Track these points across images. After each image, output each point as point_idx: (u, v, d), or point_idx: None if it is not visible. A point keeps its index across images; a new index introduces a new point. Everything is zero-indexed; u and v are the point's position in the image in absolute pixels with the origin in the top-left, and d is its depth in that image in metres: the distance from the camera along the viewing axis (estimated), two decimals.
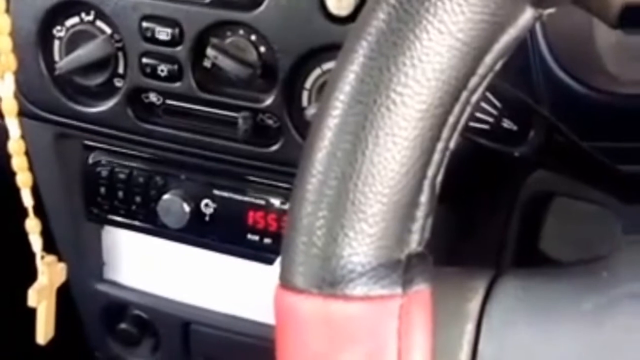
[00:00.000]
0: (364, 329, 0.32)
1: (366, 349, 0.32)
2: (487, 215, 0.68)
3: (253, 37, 0.63)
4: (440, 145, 0.33)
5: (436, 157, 0.33)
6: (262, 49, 0.63)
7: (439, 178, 0.34)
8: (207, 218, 0.72)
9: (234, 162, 0.68)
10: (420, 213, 0.33)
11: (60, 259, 0.71)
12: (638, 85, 0.55)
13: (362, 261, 0.33)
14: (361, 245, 0.33)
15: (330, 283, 0.33)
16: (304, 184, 0.33)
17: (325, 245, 0.33)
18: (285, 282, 0.34)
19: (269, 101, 0.64)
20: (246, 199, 0.71)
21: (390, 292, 0.32)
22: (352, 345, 0.32)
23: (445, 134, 0.33)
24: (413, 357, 0.32)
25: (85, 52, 0.67)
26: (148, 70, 0.66)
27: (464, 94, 0.33)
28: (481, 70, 0.33)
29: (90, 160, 0.75)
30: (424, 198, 0.33)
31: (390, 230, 0.33)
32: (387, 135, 0.32)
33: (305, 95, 0.63)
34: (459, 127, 0.34)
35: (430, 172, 0.33)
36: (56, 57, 0.69)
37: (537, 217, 0.68)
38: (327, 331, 0.33)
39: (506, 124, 0.44)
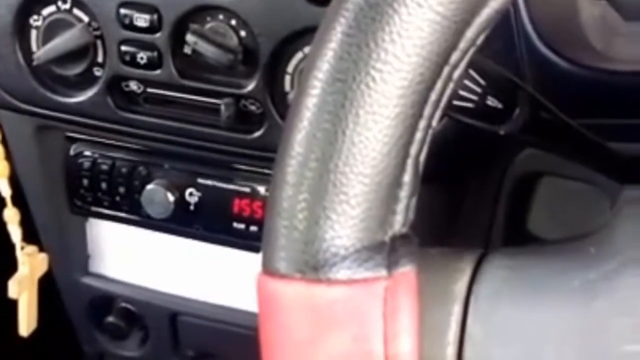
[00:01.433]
0: (349, 313, 0.32)
1: (351, 332, 0.32)
2: (475, 196, 0.67)
3: (233, 22, 0.62)
4: (422, 123, 0.32)
5: (419, 135, 0.32)
6: (243, 33, 0.62)
7: (423, 157, 0.33)
8: (191, 207, 0.71)
9: (217, 149, 0.67)
10: (404, 193, 0.33)
11: (43, 251, 0.70)
12: (622, 61, 0.55)
13: (345, 244, 0.32)
14: (344, 228, 0.32)
15: (313, 267, 0.32)
16: (283, 166, 0.33)
17: (307, 229, 0.32)
18: (268, 268, 0.33)
19: (251, 86, 0.63)
20: (231, 186, 0.70)
21: (375, 275, 0.32)
22: (337, 330, 0.32)
23: (427, 111, 0.32)
24: (399, 340, 0.32)
25: (63, 41, 0.66)
26: (127, 58, 0.65)
27: (446, 70, 0.32)
28: (463, 44, 0.32)
29: (72, 152, 0.74)
30: (407, 178, 0.33)
31: (373, 212, 0.32)
32: (367, 113, 0.31)
33: (287, 79, 0.62)
34: (442, 104, 0.33)
35: (413, 151, 0.32)
36: (33, 47, 0.68)
37: (525, 197, 0.68)
38: (311, 316, 0.32)
39: (491, 101, 0.43)
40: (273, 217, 0.33)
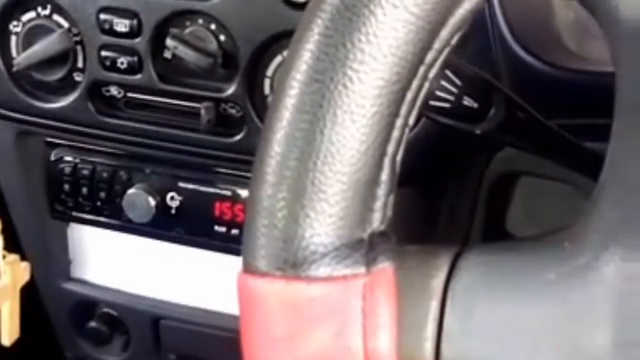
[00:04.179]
0: (329, 310, 0.32)
1: (331, 330, 0.32)
2: (454, 197, 0.68)
3: (213, 27, 0.63)
4: (399, 122, 0.33)
5: (396, 134, 0.33)
6: (222, 38, 0.63)
7: (400, 156, 0.34)
8: (173, 211, 0.71)
9: (198, 153, 0.67)
10: (382, 191, 0.33)
11: (25, 259, 0.70)
12: (597, 62, 0.55)
13: (325, 242, 0.32)
14: (323, 226, 0.32)
15: (292, 265, 0.32)
16: (263, 166, 0.33)
17: (287, 227, 0.32)
18: (248, 266, 0.34)
19: (231, 91, 0.64)
20: (212, 190, 0.70)
21: (354, 272, 0.32)
22: (317, 327, 0.32)
23: (404, 110, 0.33)
24: (379, 337, 0.32)
25: (43, 47, 0.66)
26: (108, 63, 0.65)
27: (422, 69, 0.33)
28: (438, 44, 0.32)
29: (53, 157, 0.74)
30: (385, 176, 0.33)
31: (351, 210, 0.32)
32: (345, 113, 0.32)
33: (267, 83, 0.63)
34: (418, 103, 0.33)
35: (390, 150, 0.33)
36: (14, 53, 0.68)
37: (503, 198, 0.68)
38: (291, 313, 0.32)
39: (467, 102, 0.44)
40: (253, 216, 0.33)
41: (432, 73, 0.33)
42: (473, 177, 0.67)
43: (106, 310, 0.80)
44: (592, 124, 0.57)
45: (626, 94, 0.33)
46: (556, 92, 0.56)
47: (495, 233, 0.67)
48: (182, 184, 0.71)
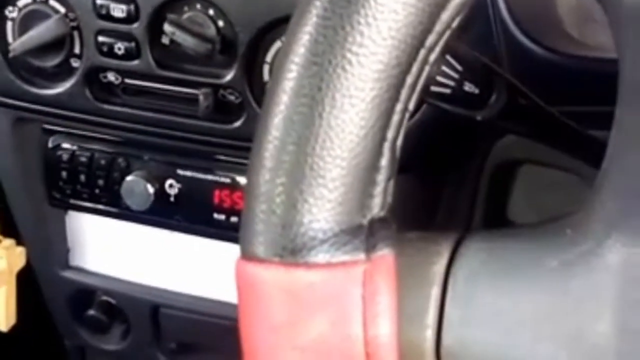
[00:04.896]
0: (328, 297, 0.32)
1: (330, 316, 0.32)
2: (455, 185, 0.67)
3: (211, 12, 0.62)
4: (399, 107, 0.32)
5: (395, 118, 0.32)
6: (221, 23, 0.62)
7: (400, 141, 0.33)
8: (172, 199, 0.71)
9: (197, 140, 0.67)
10: (382, 177, 0.33)
11: (23, 246, 0.69)
12: (599, 48, 0.55)
13: (324, 227, 0.32)
14: (322, 211, 0.32)
15: (291, 251, 0.32)
16: (261, 150, 0.33)
17: (285, 213, 0.32)
18: (246, 253, 0.33)
19: (229, 76, 0.63)
20: (211, 177, 0.70)
21: (353, 258, 0.32)
22: (316, 314, 0.32)
23: (403, 94, 0.32)
24: (378, 323, 0.32)
25: (40, 32, 0.65)
26: (105, 48, 0.65)
27: (422, 53, 0.32)
28: (438, 27, 0.32)
29: (50, 144, 0.73)
30: (384, 161, 0.33)
31: (351, 195, 0.32)
32: (344, 96, 0.31)
33: (266, 69, 0.62)
34: (418, 87, 0.33)
35: (390, 135, 0.32)
36: (9, 38, 0.67)
37: (505, 186, 0.68)
38: (289, 300, 0.32)
39: (468, 87, 0.43)
40: (251, 202, 0.33)
41: (433, 57, 0.33)
42: (474, 165, 0.66)
43: (105, 298, 0.80)
44: (595, 111, 0.57)
45: (629, 80, 0.32)
46: (558, 78, 0.55)
47: (496, 221, 0.67)
48: (180, 171, 0.70)
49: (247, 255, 0.33)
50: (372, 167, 0.32)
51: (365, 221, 0.32)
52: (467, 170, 0.67)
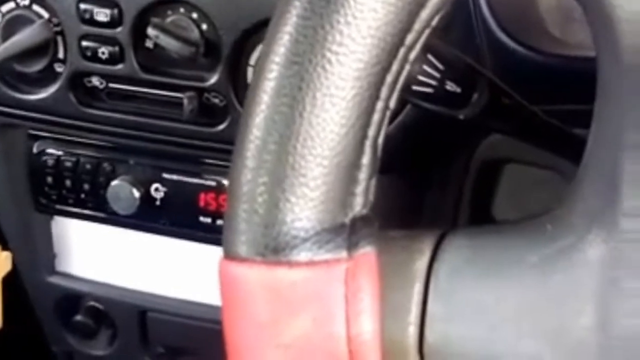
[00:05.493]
0: (310, 295, 0.32)
1: (313, 315, 0.32)
2: (440, 185, 0.67)
3: (194, 15, 0.62)
4: (379, 105, 0.33)
5: (376, 117, 0.33)
6: (204, 26, 0.62)
7: (381, 139, 0.33)
8: (157, 203, 0.71)
9: (182, 143, 0.67)
10: (363, 175, 0.33)
11: (9, 251, 0.69)
12: (581, 47, 0.55)
13: (306, 226, 0.32)
14: (303, 210, 0.32)
15: (273, 250, 0.32)
16: (242, 150, 0.33)
17: (267, 212, 0.32)
18: (229, 252, 0.33)
19: (213, 79, 0.63)
20: (196, 180, 0.70)
21: (336, 257, 0.32)
22: (299, 312, 0.32)
23: (384, 92, 0.33)
24: (361, 321, 0.32)
25: (23, 37, 0.65)
26: (88, 53, 0.65)
27: (402, 51, 0.32)
28: (417, 25, 0.32)
29: (35, 150, 0.73)
30: (366, 159, 0.33)
31: (332, 194, 0.32)
32: (324, 95, 0.31)
33: (250, 71, 0.62)
34: (399, 85, 0.33)
35: (371, 133, 0.33)
36: None
37: (489, 185, 0.68)
38: (272, 299, 0.32)
39: (449, 86, 0.44)
40: (233, 202, 0.33)
41: (413, 55, 0.33)
42: (458, 165, 0.67)
43: (92, 303, 0.79)
44: (578, 110, 0.57)
45: (606, 76, 0.33)
46: (540, 77, 0.56)
47: (481, 220, 0.67)
48: (166, 175, 0.70)
49: (229, 255, 0.33)
50: (354, 165, 0.32)
51: (347, 219, 0.32)
52: (452, 170, 0.67)
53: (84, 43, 0.64)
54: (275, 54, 0.32)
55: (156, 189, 0.71)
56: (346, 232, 0.32)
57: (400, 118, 0.59)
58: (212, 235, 0.71)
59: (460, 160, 0.66)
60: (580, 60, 0.55)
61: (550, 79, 0.55)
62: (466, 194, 0.67)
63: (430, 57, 0.43)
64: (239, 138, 0.33)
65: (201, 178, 0.70)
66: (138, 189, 0.70)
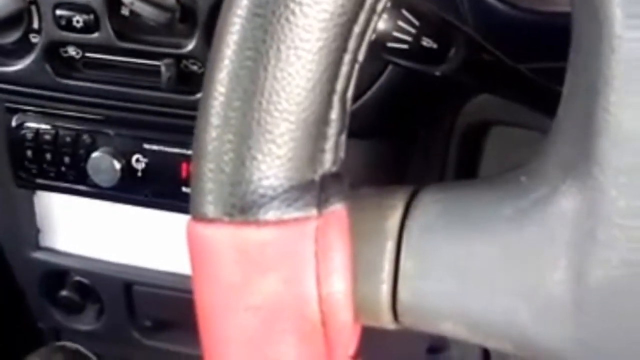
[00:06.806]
0: (280, 255, 0.31)
1: (283, 275, 0.31)
2: (425, 147, 0.67)
3: None
4: (347, 57, 0.31)
5: (344, 69, 0.31)
6: None
7: (350, 93, 0.32)
8: (139, 174, 0.70)
9: (161, 112, 0.66)
10: (332, 130, 0.32)
11: None
12: (561, 3, 0.54)
13: (273, 184, 0.31)
14: (271, 168, 0.31)
15: (241, 209, 0.31)
16: (207, 107, 0.32)
17: (234, 170, 0.31)
18: (196, 213, 0.32)
19: (191, 46, 0.62)
20: (178, 150, 0.69)
21: (305, 214, 0.31)
22: (269, 273, 0.31)
23: (351, 44, 0.31)
24: (332, 280, 0.31)
25: None
26: (63, 22, 0.63)
27: (368, 1, 0.31)
28: None
29: (14, 123, 0.72)
30: (334, 114, 0.32)
31: (300, 150, 0.31)
32: (289, 48, 0.30)
33: None
34: (367, 37, 0.32)
35: (339, 86, 0.32)
36: None
37: (475, 148, 0.67)
38: (241, 260, 0.31)
39: (425, 42, 0.42)
40: (199, 161, 0.32)
41: (380, 5, 0.32)
42: (443, 128, 0.66)
43: (77, 278, 0.79)
44: (560, 67, 0.56)
45: (580, 27, 0.32)
46: (522, 34, 0.55)
47: None
48: (146, 145, 0.69)
49: (197, 216, 0.32)
50: (322, 120, 0.31)
51: (316, 176, 0.31)
52: (437, 133, 0.67)
53: (59, 12, 0.63)
54: (237, 6, 0.31)
55: (137, 160, 0.70)
56: (316, 190, 0.31)
57: (381, 80, 0.58)
58: None
59: (445, 123, 0.65)
60: (559, 15, 0.53)
61: (531, 36, 0.54)
62: (452, 157, 0.66)
63: (405, 12, 0.42)
64: (203, 95, 0.32)
65: (182, 147, 0.69)
66: (119, 161, 0.69)
